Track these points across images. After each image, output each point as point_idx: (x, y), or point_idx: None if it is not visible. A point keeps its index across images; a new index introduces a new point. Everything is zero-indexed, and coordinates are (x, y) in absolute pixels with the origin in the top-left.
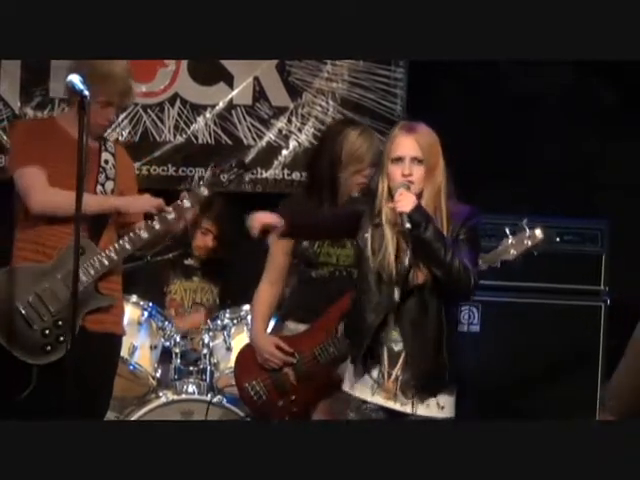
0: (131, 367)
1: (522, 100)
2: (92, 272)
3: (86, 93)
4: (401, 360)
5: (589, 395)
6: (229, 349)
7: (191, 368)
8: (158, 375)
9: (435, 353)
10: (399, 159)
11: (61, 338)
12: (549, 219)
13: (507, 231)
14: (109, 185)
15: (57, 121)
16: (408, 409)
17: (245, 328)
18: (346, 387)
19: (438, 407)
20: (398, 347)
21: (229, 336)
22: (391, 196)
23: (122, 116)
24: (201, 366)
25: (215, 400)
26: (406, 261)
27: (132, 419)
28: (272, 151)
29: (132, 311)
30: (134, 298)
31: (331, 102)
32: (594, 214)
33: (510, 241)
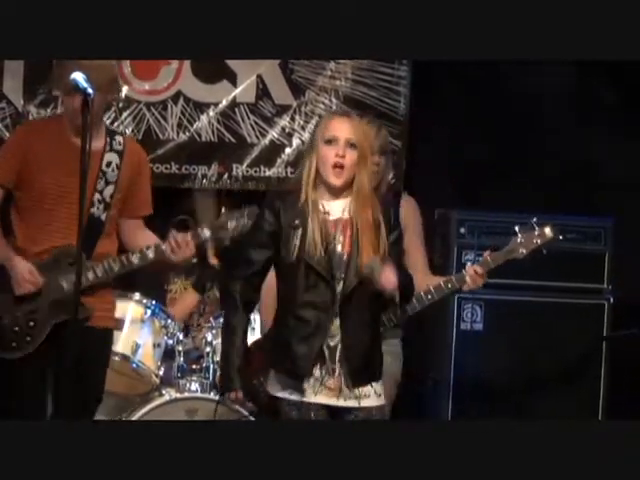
0: (134, 365)
1: (524, 99)
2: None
3: (90, 91)
4: (338, 353)
5: (592, 393)
6: None
7: (194, 366)
8: (161, 373)
9: (372, 340)
10: (333, 140)
11: (28, 338)
12: (552, 218)
13: (516, 229)
14: (109, 190)
15: (62, 122)
16: (351, 403)
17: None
18: (277, 392)
19: (376, 395)
20: (334, 341)
21: None
22: (317, 179)
23: (125, 114)
24: (204, 364)
25: (219, 398)
26: (339, 248)
27: (135, 417)
28: (275, 149)
29: (135, 309)
30: (137, 296)
31: (334, 100)
32: (597, 213)
33: (519, 240)
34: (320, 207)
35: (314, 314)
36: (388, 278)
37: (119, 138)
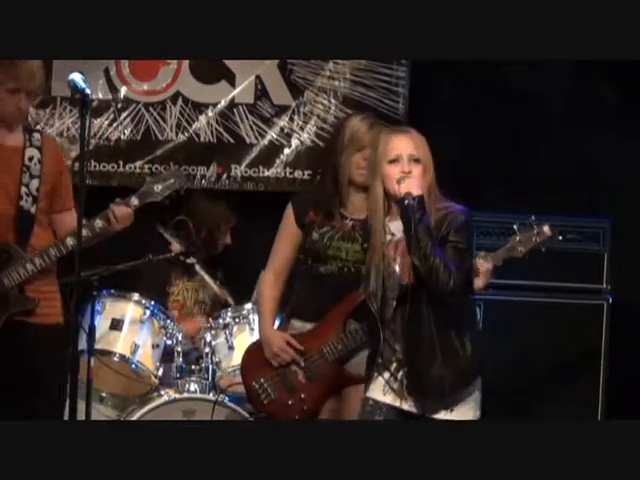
0: (133, 366)
1: (524, 99)
2: (15, 277)
3: (88, 91)
4: (402, 367)
5: (592, 393)
6: (231, 348)
7: (193, 367)
8: (160, 374)
9: (428, 357)
10: (396, 159)
11: None
12: (552, 218)
13: (515, 228)
14: (34, 184)
15: None
16: (414, 409)
17: (247, 327)
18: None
19: (446, 410)
20: (400, 353)
21: (231, 335)
22: (388, 199)
23: (124, 114)
24: (203, 365)
25: (219, 399)
26: (397, 269)
27: (134, 418)
28: (274, 149)
29: (134, 309)
30: (136, 297)
31: (333, 100)
32: (596, 213)
33: (518, 238)
34: (386, 230)
35: (371, 334)
36: (410, 186)
37: (37, 135)
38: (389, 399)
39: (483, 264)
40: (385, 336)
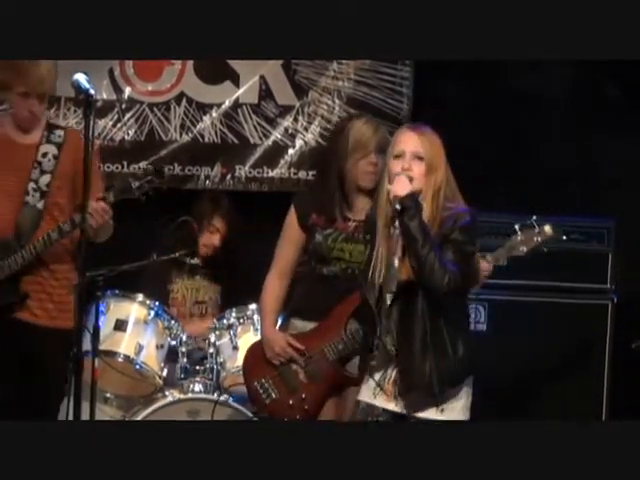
0: (137, 366)
1: (528, 99)
2: (5, 269)
3: (92, 92)
4: (395, 362)
5: (596, 393)
6: (235, 348)
7: (197, 367)
8: (164, 374)
9: (421, 356)
10: (400, 155)
11: None
12: (555, 218)
13: (516, 228)
14: (44, 179)
15: (4, 120)
16: (405, 411)
17: (251, 327)
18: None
19: (437, 410)
20: (393, 350)
21: (235, 335)
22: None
23: (128, 115)
24: (207, 365)
25: (222, 399)
26: (396, 262)
27: (138, 418)
28: (278, 150)
29: (138, 310)
30: (140, 297)
31: (337, 101)
32: (600, 213)
33: (519, 238)
34: (390, 222)
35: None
36: (397, 188)
37: (59, 132)
38: (379, 402)
39: (483, 264)
40: (379, 333)
